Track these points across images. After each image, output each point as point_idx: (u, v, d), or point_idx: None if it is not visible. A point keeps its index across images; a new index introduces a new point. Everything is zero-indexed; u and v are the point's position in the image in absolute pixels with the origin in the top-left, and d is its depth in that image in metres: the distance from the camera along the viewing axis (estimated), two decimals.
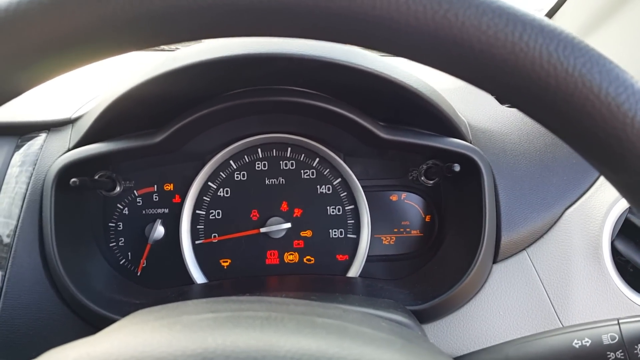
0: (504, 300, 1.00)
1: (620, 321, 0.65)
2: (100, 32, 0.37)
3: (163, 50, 1.43)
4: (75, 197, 1.06)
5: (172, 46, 1.52)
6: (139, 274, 1.15)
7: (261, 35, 0.40)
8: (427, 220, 1.19)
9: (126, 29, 0.37)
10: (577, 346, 0.64)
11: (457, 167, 1.00)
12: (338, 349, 0.39)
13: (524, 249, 1.03)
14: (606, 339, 0.63)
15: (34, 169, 1.01)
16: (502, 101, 0.41)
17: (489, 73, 0.38)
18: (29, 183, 1.00)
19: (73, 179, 0.95)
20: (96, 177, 1.08)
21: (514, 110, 1.18)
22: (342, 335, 0.43)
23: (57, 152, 1.02)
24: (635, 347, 0.61)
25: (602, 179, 1.07)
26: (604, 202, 1.03)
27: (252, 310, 0.48)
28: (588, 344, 0.64)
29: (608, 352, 0.62)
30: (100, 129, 0.99)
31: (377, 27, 0.37)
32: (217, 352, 0.38)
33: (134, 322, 0.50)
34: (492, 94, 0.41)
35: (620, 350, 0.62)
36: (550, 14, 1.32)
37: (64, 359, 0.39)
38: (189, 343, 0.39)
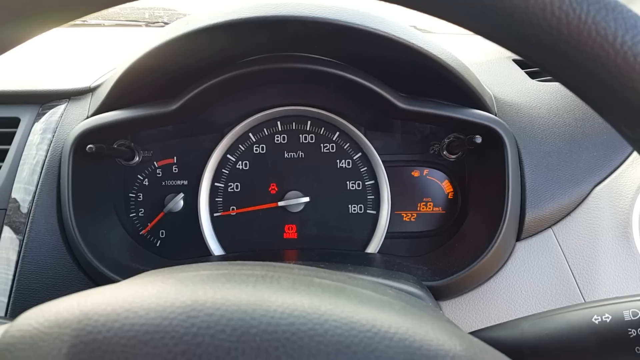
0: (527, 279, 0.97)
1: None
2: None
3: None
4: (95, 166, 1.06)
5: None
6: (158, 244, 1.15)
7: None
8: (449, 197, 1.16)
9: None
10: (596, 322, 0.61)
11: (478, 139, 0.96)
12: (332, 306, 0.38)
13: (549, 226, 1.00)
14: (627, 315, 0.59)
15: (53, 136, 1.02)
16: (513, 52, 0.38)
17: (497, 22, 0.36)
18: (48, 150, 1.01)
19: (89, 145, 0.95)
20: (115, 145, 1.08)
21: (544, 84, 1.13)
22: (338, 295, 0.41)
23: (77, 120, 1.03)
24: None
25: (634, 155, 1.02)
26: (635, 179, 0.98)
27: (251, 270, 0.47)
28: (608, 320, 0.60)
29: (629, 329, 0.59)
30: (116, 97, 0.99)
31: None
32: (207, 305, 0.37)
33: (133, 279, 0.50)
34: (502, 46, 0.39)
35: None
36: None
37: (55, 307, 0.40)
38: (179, 295, 0.38)
